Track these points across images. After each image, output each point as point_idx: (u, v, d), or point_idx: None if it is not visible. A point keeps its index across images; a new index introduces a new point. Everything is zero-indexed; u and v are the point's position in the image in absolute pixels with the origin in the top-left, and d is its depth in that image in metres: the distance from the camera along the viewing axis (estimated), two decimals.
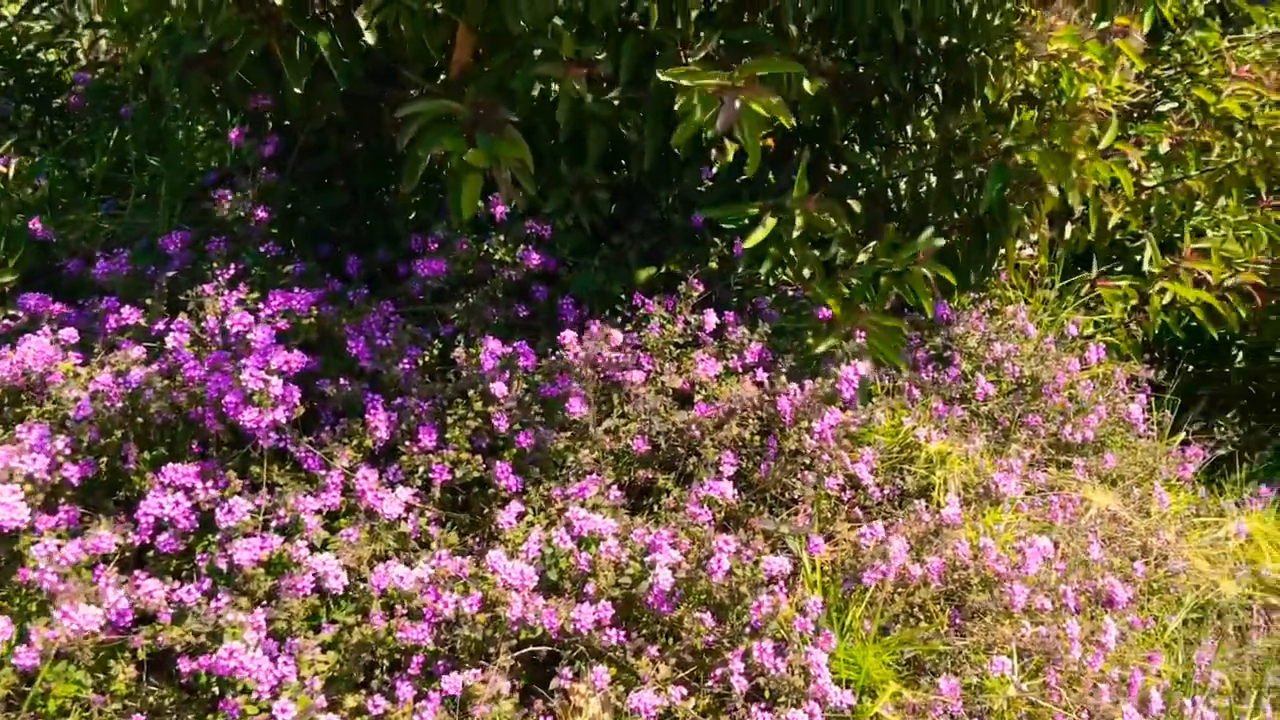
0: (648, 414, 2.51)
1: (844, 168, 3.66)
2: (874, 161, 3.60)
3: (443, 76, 2.69)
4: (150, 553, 2.12)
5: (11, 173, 3.09)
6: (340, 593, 2.03)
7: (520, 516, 2.33)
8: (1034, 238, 3.72)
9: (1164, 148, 4.01)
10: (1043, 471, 3.21)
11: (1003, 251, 3.43)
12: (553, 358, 2.59)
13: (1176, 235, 4.35)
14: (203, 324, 2.34)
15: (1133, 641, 2.76)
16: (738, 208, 2.98)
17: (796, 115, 3.01)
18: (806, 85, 2.73)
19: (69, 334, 2.28)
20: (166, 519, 2.05)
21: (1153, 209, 3.99)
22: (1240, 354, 4.64)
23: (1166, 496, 3.33)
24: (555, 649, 2.15)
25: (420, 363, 2.53)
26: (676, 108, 2.31)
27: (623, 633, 2.09)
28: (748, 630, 2.13)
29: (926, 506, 2.67)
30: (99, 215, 3.11)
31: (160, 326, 2.39)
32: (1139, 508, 3.29)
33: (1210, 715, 2.47)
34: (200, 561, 2.09)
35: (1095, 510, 3.16)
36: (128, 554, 2.10)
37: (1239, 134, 3.82)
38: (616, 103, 2.66)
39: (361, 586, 2.11)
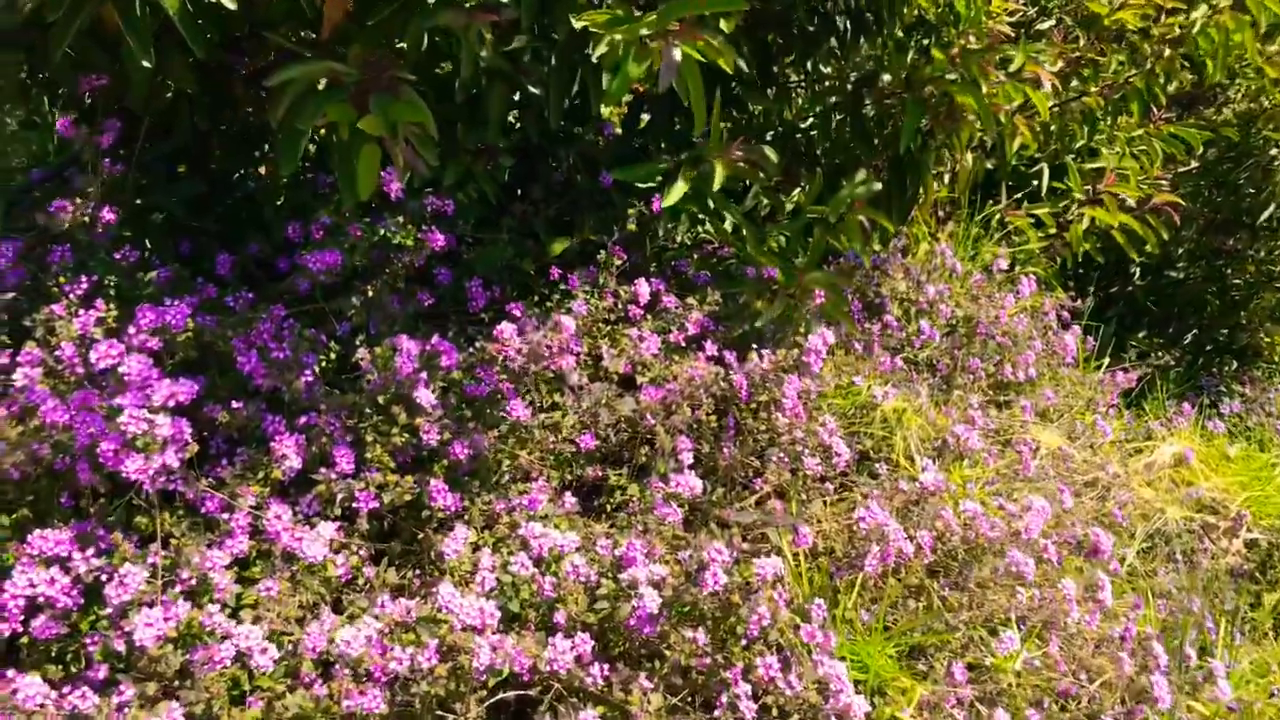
0: (592, 405, 2.22)
1: (741, 113, 3.41)
2: (776, 105, 3.35)
3: (313, 37, 2.31)
4: (25, 638, 1.74)
5: None
6: (270, 668, 1.69)
7: (471, 545, 2.02)
8: (950, 169, 3.54)
9: (1055, 66, 3.88)
10: (983, 414, 3.05)
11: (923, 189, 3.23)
12: (470, 351, 2.28)
13: (1071, 157, 4.25)
14: (57, 353, 1.94)
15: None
16: (648, 166, 2.69)
17: None
18: (723, 24, 2.45)
19: None
20: (42, 599, 1.67)
21: (1053, 130, 3.86)
22: (1139, 273, 4.61)
23: (1109, 427, 3.22)
24: (525, 690, 1.86)
25: (316, 370, 2.19)
26: (596, 57, 2.00)
27: (605, 664, 1.81)
28: (743, 643, 1.88)
29: (889, 469, 2.47)
30: None
31: (3, 360, 1.98)
32: (1085, 442, 3.17)
33: (1219, 667, 2.34)
34: (90, 645, 1.72)
35: (1045, 450, 3.02)
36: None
37: (1137, 46, 3.71)
38: (517, 55, 2.34)
39: (289, 645, 1.78)
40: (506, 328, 2.09)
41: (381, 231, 2.32)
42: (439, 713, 1.79)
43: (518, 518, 2.08)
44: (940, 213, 3.90)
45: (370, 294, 2.32)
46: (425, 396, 2.01)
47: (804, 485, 2.28)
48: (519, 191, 2.86)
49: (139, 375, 1.73)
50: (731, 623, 1.89)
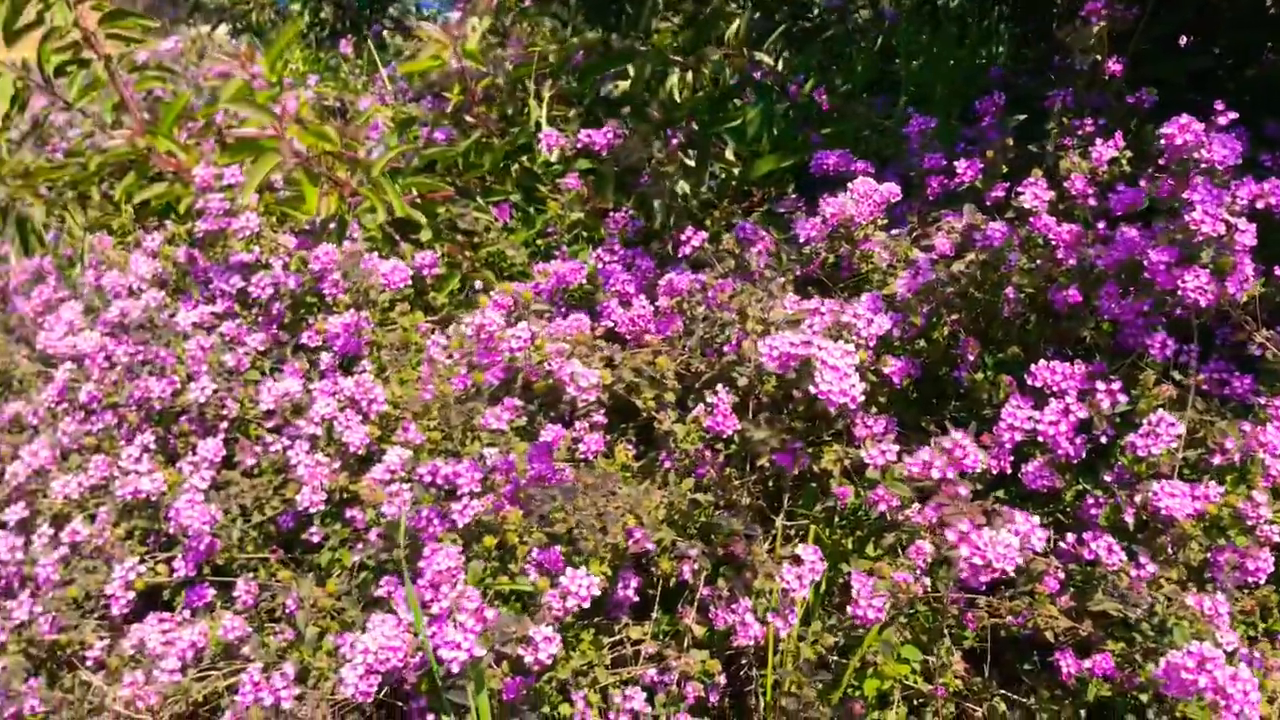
0: None
1: None
2: None
3: None
4: (1003, 491, 1.46)
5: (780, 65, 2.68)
6: None
7: None
8: None
9: None
10: None
11: None
12: None
13: None
14: (1066, 184, 1.65)
15: None
16: None
17: None
18: None
19: (890, 189, 1.68)
20: (1042, 437, 1.36)
21: None
22: None
23: None
24: None
25: None
26: None
27: None
28: None
29: None
30: (870, 113, 2.58)
31: (998, 193, 1.74)
32: None
33: None
34: (1091, 509, 1.38)
35: None
36: (978, 485, 1.45)
37: None
38: None
39: None
40: None
41: None
42: None
43: None
44: None
45: None
46: None
47: None
48: None
49: (1223, 160, 1.33)
50: None
